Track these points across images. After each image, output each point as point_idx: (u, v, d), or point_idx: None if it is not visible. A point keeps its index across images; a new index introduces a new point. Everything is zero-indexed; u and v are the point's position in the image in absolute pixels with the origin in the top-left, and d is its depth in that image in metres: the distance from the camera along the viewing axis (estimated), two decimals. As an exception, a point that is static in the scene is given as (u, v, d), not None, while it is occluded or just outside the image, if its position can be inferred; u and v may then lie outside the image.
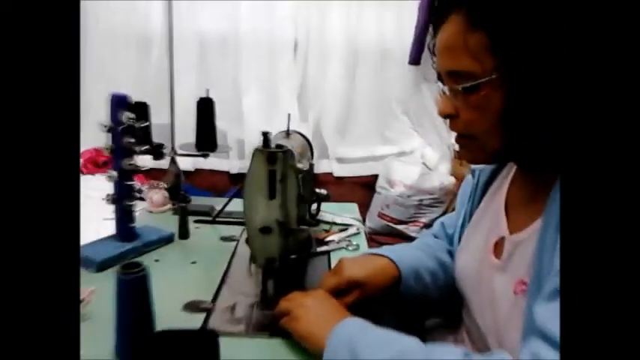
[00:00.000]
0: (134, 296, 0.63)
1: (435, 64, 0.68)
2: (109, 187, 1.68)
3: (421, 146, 2.37)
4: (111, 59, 2.27)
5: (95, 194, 1.52)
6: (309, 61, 2.33)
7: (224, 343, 0.63)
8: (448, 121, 0.68)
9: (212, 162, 2.29)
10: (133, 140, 0.89)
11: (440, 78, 0.68)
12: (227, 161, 2.32)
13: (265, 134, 0.70)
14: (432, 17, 0.69)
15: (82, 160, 1.99)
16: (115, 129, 0.88)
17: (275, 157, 0.69)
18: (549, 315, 0.50)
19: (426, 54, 2.27)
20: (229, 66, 2.29)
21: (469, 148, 0.68)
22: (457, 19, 0.61)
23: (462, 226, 0.84)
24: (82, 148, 2.05)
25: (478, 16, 0.59)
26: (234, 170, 2.33)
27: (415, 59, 2.25)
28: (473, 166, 0.84)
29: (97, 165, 2.00)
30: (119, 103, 0.88)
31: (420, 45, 2.23)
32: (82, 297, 0.74)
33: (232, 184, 2.33)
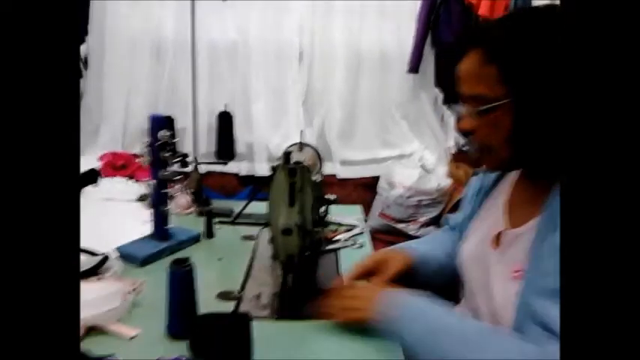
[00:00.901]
0: (184, 285, 0.78)
1: (456, 89, 0.82)
2: (127, 189, 1.81)
3: (420, 150, 2.51)
4: (128, 69, 2.40)
5: (116, 196, 1.67)
6: (314, 69, 2.46)
7: (253, 325, 0.78)
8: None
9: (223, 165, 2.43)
10: (168, 154, 1.04)
11: (458, 100, 0.82)
12: (236, 164, 2.44)
13: (287, 153, 0.85)
14: (453, 50, 0.84)
15: (100, 164, 2.10)
16: (154, 145, 1.03)
17: (295, 172, 0.83)
18: (552, 312, 0.65)
19: (423, 63, 2.41)
20: (239, 74, 2.43)
21: (485, 159, 0.83)
22: (475, 55, 0.76)
23: (469, 219, 0.98)
24: (101, 153, 2.17)
25: (492, 53, 0.74)
26: (243, 172, 2.45)
27: (414, 68, 2.39)
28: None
29: (115, 168, 2.13)
30: (158, 122, 1.02)
31: (418, 55, 2.37)
32: (134, 287, 0.88)
33: (241, 185, 2.47)
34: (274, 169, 0.89)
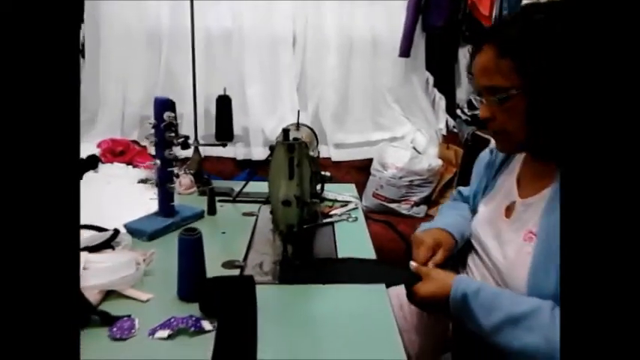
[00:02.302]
0: (193, 252, 0.84)
1: (472, 82, 0.91)
2: (125, 174, 1.87)
3: (411, 132, 2.58)
4: (124, 57, 2.44)
5: (115, 180, 1.73)
6: (307, 55, 2.50)
7: (256, 290, 0.85)
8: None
9: (220, 149, 2.47)
10: (173, 134, 1.10)
11: (476, 91, 0.91)
12: (233, 148, 2.49)
13: (285, 130, 0.91)
14: (469, 47, 0.92)
15: (100, 150, 2.14)
16: (159, 126, 1.09)
17: (293, 147, 0.90)
18: None
19: (414, 47, 2.47)
20: (233, 60, 2.47)
21: (502, 142, 0.93)
22: (489, 50, 0.85)
23: (482, 193, 1.08)
24: (100, 139, 2.21)
25: (505, 47, 0.82)
26: (240, 157, 2.50)
27: (405, 52, 2.44)
28: (492, 146, 1.09)
29: (114, 154, 2.17)
30: (162, 104, 1.08)
31: (409, 39, 2.42)
32: (145, 257, 0.95)
33: (238, 169, 2.53)
34: (272, 147, 0.96)
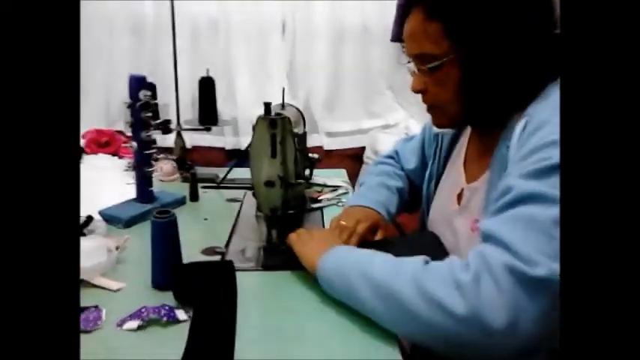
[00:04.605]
0: (167, 235, 0.78)
1: (404, 50, 0.83)
2: (111, 165, 1.80)
3: (405, 118, 2.52)
4: (107, 45, 2.37)
5: (100, 171, 1.65)
6: (297, 42, 2.44)
7: (238, 276, 0.79)
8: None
9: (208, 139, 2.41)
10: (150, 115, 1.03)
11: (407, 61, 0.83)
12: (222, 138, 2.44)
13: (267, 104, 0.85)
14: (398, 12, 0.84)
15: (84, 141, 2.07)
16: (134, 105, 1.02)
17: (275, 123, 0.83)
18: (493, 223, 0.64)
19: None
20: (221, 48, 2.40)
21: (437, 116, 0.85)
22: (417, 13, 0.77)
23: (436, 180, 1.01)
24: (84, 130, 2.14)
25: (433, 9, 0.75)
26: (229, 146, 2.45)
27: (397, 37, 2.37)
28: (435, 131, 1.01)
29: (100, 145, 2.10)
30: (137, 82, 1.01)
31: (401, 24, 2.36)
32: (118, 244, 0.89)
33: (228, 159, 2.47)
34: (254, 127, 0.89)
